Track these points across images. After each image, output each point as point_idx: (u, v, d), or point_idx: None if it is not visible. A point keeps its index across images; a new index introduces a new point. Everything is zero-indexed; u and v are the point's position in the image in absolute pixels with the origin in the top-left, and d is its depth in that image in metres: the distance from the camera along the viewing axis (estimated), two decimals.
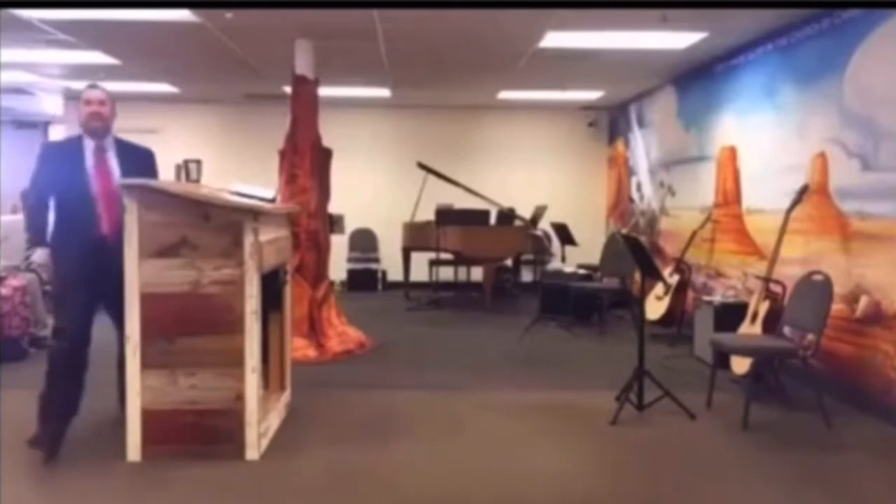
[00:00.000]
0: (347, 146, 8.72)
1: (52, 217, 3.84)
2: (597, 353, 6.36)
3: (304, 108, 6.26)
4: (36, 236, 3.90)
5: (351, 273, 10.20)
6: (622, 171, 9.98)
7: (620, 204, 10.05)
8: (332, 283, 6.60)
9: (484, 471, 3.58)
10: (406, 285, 9.32)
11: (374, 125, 10.45)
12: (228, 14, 5.40)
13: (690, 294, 6.94)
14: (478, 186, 9.14)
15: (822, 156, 5.11)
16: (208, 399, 3.57)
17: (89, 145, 3.84)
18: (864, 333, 4.65)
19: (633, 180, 9.48)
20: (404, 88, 8.96)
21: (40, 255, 3.86)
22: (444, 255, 8.89)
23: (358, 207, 9.70)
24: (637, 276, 6.25)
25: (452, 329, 7.47)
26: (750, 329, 5.05)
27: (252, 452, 3.60)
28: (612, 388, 4.67)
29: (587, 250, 8.89)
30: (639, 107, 9.35)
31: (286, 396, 4.39)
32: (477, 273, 9.38)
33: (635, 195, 9.38)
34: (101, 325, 3.86)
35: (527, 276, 10.05)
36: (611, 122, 10.58)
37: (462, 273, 10.00)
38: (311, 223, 6.13)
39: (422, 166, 8.87)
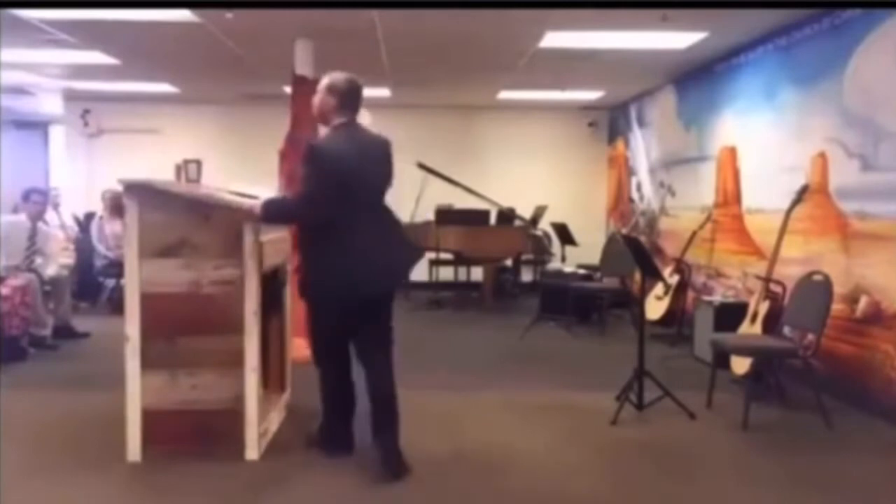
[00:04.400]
0: None
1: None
2: (597, 353, 6.36)
3: (304, 108, 6.24)
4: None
5: None
6: (622, 171, 9.98)
7: (620, 204, 10.05)
8: None
9: (483, 470, 3.58)
10: (406, 285, 9.30)
11: (374, 125, 10.41)
12: (228, 14, 5.40)
13: (690, 294, 6.94)
14: (478, 186, 9.12)
15: (822, 156, 5.11)
16: (208, 399, 3.57)
17: None
18: (864, 333, 4.65)
19: (633, 180, 9.48)
20: (404, 88, 8.96)
21: None
22: (444, 255, 8.88)
23: None
24: (637, 276, 6.25)
25: (452, 329, 7.47)
26: (750, 329, 5.05)
27: (252, 452, 3.59)
28: (612, 388, 4.66)
29: (587, 250, 8.88)
30: (639, 107, 9.35)
31: (286, 396, 4.39)
32: (477, 273, 9.38)
33: (635, 195, 9.38)
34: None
35: (527, 276, 10.04)
36: (611, 122, 10.58)
37: (462, 273, 10.00)
38: None
39: (422, 166, 8.85)
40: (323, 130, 3.82)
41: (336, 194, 3.36)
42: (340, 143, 3.51)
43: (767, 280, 5.15)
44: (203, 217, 3.54)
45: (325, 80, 3.60)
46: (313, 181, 3.37)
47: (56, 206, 8.72)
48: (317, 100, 3.61)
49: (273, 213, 3.51)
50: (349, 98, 3.57)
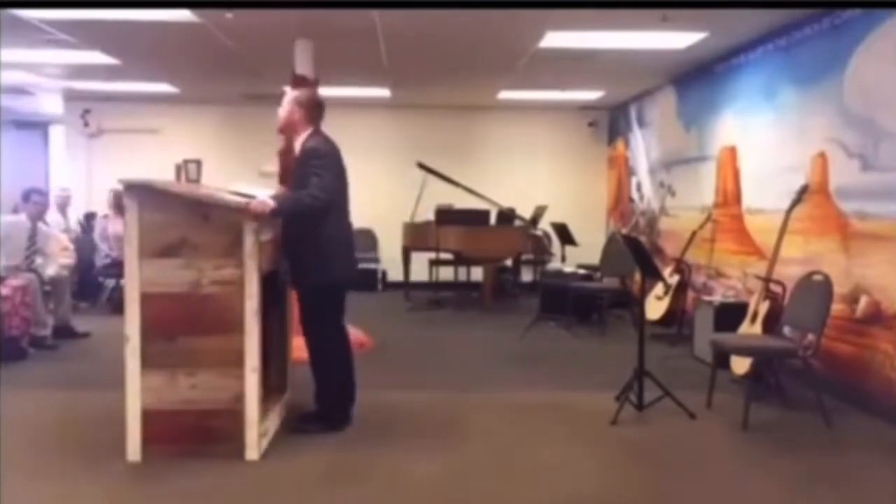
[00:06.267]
0: (347, 146, 8.68)
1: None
2: (597, 353, 6.36)
3: None
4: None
5: None
6: (622, 171, 9.98)
7: (620, 204, 10.05)
8: None
9: (483, 470, 3.58)
10: (406, 285, 9.32)
11: (374, 125, 10.44)
12: (228, 14, 5.40)
13: (690, 294, 6.94)
14: (478, 186, 9.13)
15: (822, 156, 5.11)
16: (208, 399, 3.57)
17: None
18: (864, 333, 4.65)
19: (633, 180, 9.48)
20: (404, 88, 8.96)
21: None
22: (444, 255, 8.88)
23: (358, 207, 9.61)
24: (637, 276, 6.25)
25: (452, 329, 7.47)
26: (750, 329, 5.05)
27: (252, 452, 3.59)
28: (612, 388, 4.67)
29: (587, 250, 8.89)
30: (639, 107, 9.35)
31: (286, 397, 4.39)
32: (477, 273, 9.37)
33: (635, 195, 9.38)
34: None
35: (527, 276, 10.04)
36: (611, 122, 10.58)
37: (462, 273, 9.99)
38: None
39: (422, 166, 8.86)
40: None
41: (339, 186, 3.98)
42: (332, 144, 4.03)
43: (767, 280, 5.15)
44: (203, 217, 3.54)
45: (290, 94, 4.10)
46: (326, 172, 3.82)
47: (64, 209, 8.74)
48: (284, 111, 4.03)
49: (288, 205, 3.75)
50: (315, 109, 4.08)
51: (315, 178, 3.77)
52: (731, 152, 6.59)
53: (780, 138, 5.73)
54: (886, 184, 4.47)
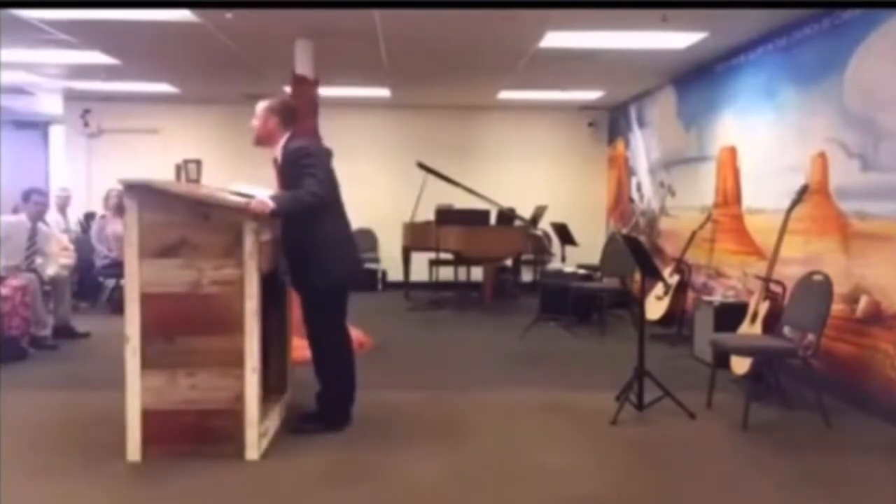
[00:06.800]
0: (347, 146, 8.71)
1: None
2: (597, 353, 6.36)
3: (304, 108, 6.25)
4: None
5: None
6: (622, 171, 9.98)
7: (620, 204, 10.05)
8: None
9: (483, 470, 3.58)
10: (406, 285, 9.31)
11: (374, 125, 10.44)
12: (228, 14, 5.40)
13: (690, 294, 6.94)
14: (478, 186, 9.13)
15: (822, 156, 5.11)
16: (208, 399, 3.57)
17: None
18: (864, 333, 4.65)
19: (633, 180, 9.48)
20: (404, 88, 8.96)
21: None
22: (444, 255, 8.88)
23: (358, 207, 9.60)
24: (637, 276, 6.25)
25: (452, 329, 7.47)
26: (750, 329, 5.05)
27: (252, 452, 3.59)
28: (612, 388, 4.67)
29: (587, 250, 8.89)
30: (639, 107, 9.35)
31: (286, 397, 4.39)
32: (477, 273, 9.38)
33: (635, 195, 9.38)
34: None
35: (527, 276, 10.04)
36: (611, 122, 10.58)
37: (462, 273, 9.99)
38: None
39: (422, 166, 8.86)
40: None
41: (332, 184, 4.00)
42: (315, 142, 4.10)
43: (767, 280, 5.15)
44: (203, 217, 3.54)
45: (261, 105, 4.07)
46: (318, 170, 3.82)
47: (64, 209, 8.74)
48: (258, 122, 4.04)
49: (287, 204, 3.70)
50: (289, 113, 4.10)
51: (310, 178, 3.76)
52: (731, 152, 6.59)
53: (780, 138, 5.73)
54: (886, 184, 4.47)
